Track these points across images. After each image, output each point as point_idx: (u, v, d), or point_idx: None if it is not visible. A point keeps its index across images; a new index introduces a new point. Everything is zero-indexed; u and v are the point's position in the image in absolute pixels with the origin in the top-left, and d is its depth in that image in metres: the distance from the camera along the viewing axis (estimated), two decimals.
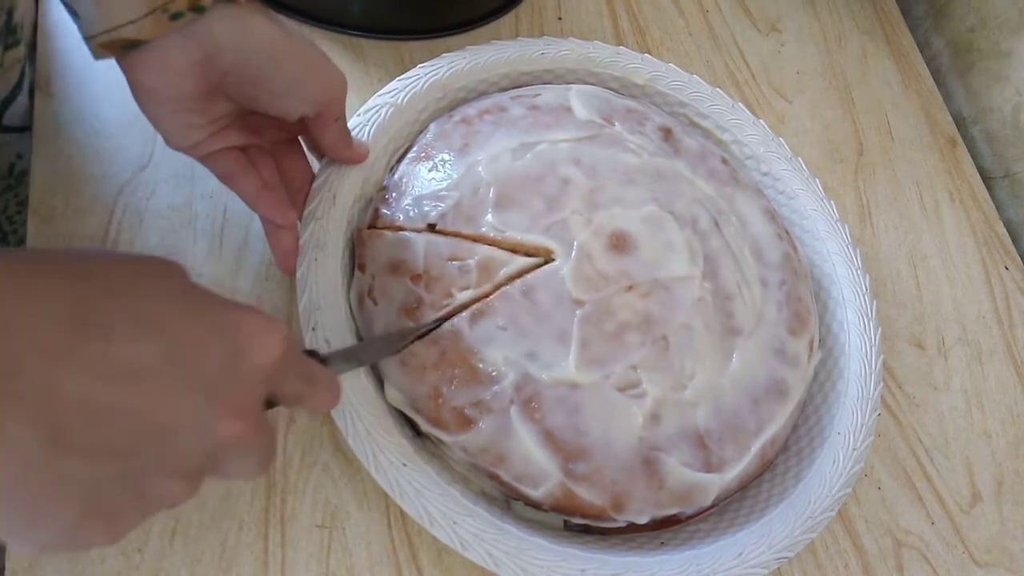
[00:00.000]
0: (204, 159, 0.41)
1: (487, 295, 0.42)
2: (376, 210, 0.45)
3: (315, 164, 0.46)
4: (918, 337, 0.56)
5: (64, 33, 0.51)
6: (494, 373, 0.40)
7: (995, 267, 0.61)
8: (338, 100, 0.40)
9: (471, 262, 0.42)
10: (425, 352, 0.40)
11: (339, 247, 0.43)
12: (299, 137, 0.44)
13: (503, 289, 0.41)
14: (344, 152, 0.44)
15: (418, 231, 0.43)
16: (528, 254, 0.43)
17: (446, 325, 0.41)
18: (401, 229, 0.44)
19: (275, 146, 0.43)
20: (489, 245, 0.43)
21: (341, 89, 0.40)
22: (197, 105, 0.37)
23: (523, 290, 0.42)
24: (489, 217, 0.43)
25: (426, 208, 0.44)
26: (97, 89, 0.50)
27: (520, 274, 0.42)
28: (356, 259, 0.44)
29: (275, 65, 0.37)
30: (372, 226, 0.45)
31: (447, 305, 0.41)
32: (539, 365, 0.40)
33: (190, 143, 0.39)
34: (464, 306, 0.41)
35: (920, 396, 0.54)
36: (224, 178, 0.42)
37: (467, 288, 0.42)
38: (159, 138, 0.48)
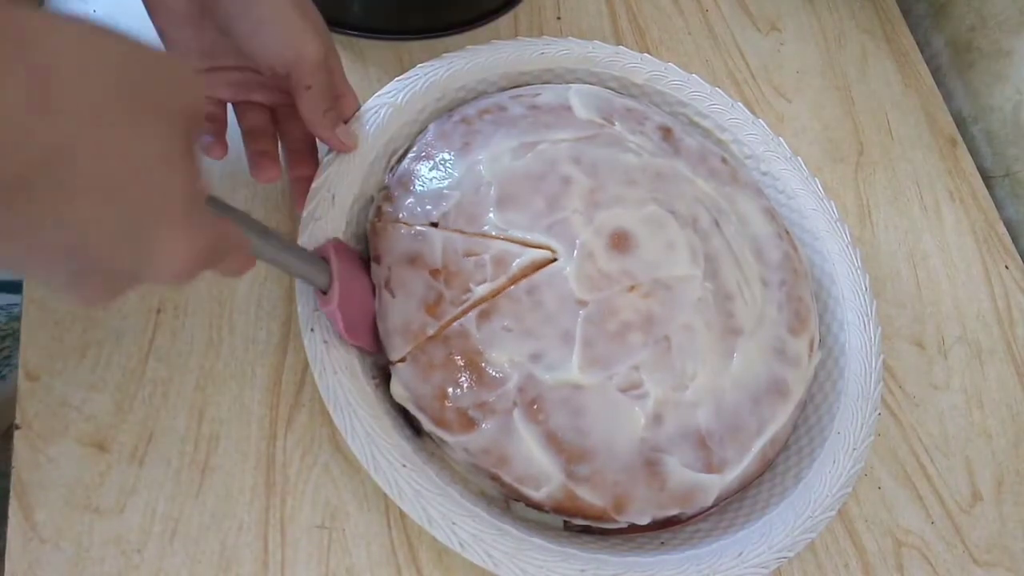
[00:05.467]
0: None
1: (503, 288, 0.42)
2: (379, 208, 0.45)
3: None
4: (918, 336, 0.56)
5: None
6: (499, 375, 0.40)
7: (995, 266, 0.61)
8: (308, 64, 0.40)
9: (486, 257, 0.42)
10: (433, 351, 0.40)
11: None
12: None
13: (509, 289, 0.41)
14: (322, 131, 0.43)
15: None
16: None
17: (455, 325, 0.41)
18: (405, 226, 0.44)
19: (278, 109, 0.46)
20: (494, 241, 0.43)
21: (311, 53, 0.39)
22: (190, 23, 0.40)
23: (528, 290, 0.42)
24: (491, 216, 0.43)
25: (428, 207, 0.44)
26: None
27: (533, 267, 0.42)
28: (371, 251, 0.44)
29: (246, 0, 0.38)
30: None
31: (466, 300, 0.41)
32: (543, 366, 0.40)
33: None
34: (483, 299, 0.41)
35: (920, 395, 0.54)
36: (205, 118, 0.44)
37: (484, 282, 0.42)
38: None
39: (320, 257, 0.41)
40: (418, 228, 0.43)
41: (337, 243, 0.42)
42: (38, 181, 0.21)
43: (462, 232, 0.43)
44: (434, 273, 0.42)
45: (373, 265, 0.43)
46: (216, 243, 0.27)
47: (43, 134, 0.20)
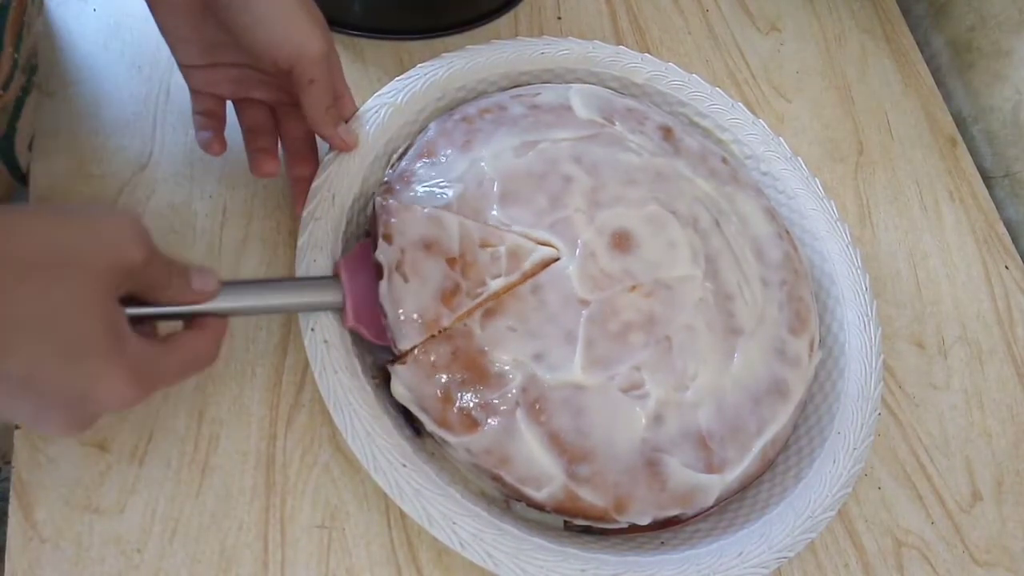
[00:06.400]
0: (194, 94, 0.44)
1: (516, 284, 0.41)
2: (377, 203, 0.45)
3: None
4: (918, 336, 0.56)
5: (64, 33, 0.51)
6: (502, 375, 0.40)
7: (995, 266, 0.61)
8: (311, 58, 0.40)
9: (501, 249, 0.42)
10: (436, 351, 0.40)
11: (338, 248, 0.43)
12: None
13: (514, 288, 0.41)
14: (324, 127, 0.43)
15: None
16: None
17: (459, 324, 0.41)
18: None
19: (278, 108, 0.46)
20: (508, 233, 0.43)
21: (314, 47, 0.40)
22: (191, 19, 0.40)
23: (532, 289, 0.42)
24: (494, 211, 0.43)
25: (433, 195, 0.44)
26: (97, 89, 0.50)
27: (544, 263, 0.42)
28: (381, 229, 0.42)
29: None
30: (374, 220, 0.44)
31: (481, 293, 0.41)
32: (545, 367, 0.40)
33: (187, 60, 0.43)
34: (496, 294, 0.41)
35: (920, 396, 0.54)
36: (204, 113, 0.45)
37: (499, 276, 0.41)
38: (159, 138, 0.49)
39: (334, 276, 0.41)
40: (434, 209, 0.43)
41: (347, 258, 0.42)
42: None
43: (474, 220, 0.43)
44: (451, 262, 0.41)
45: (382, 244, 0.42)
46: (151, 367, 0.32)
47: None
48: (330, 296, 0.40)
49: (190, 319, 0.36)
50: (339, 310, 0.41)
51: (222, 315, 0.37)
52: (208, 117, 0.45)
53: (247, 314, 0.39)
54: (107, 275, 0.30)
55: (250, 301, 0.38)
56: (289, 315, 0.46)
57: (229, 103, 0.46)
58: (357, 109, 0.46)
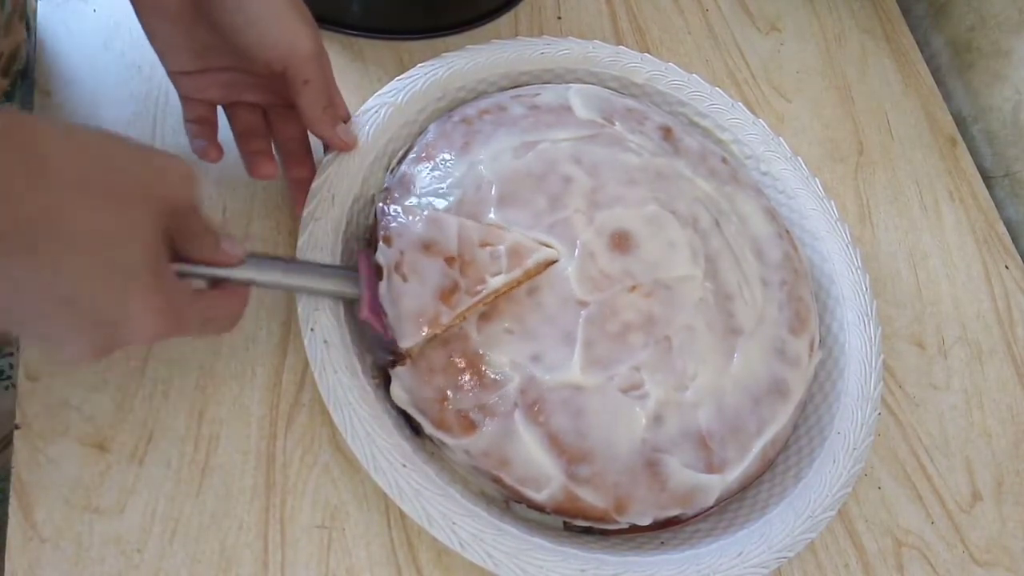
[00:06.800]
0: (185, 101, 0.44)
1: (518, 282, 0.41)
2: (378, 208, 0.45)
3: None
4: (918, 336, 0.56)
5: (63, 33, 0.51)
6: (499, 377, 0.40)
7: (995, 266, 0.61)
8: (304, 57, 0.40)
9: (501, 248, 0.42)
10: (433, 354, 0.40)
11: (338, 248, 0.43)
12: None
13: (509, 290, 0.41)
14: (323, 128, 0.43)
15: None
16: None
17: (455, 328, 0.41)
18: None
19: (270, 110, 0.46)
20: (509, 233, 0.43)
21: (307, 45, 0.40)
22: (182, 22, 0.40)
23: (528, 291, 0.41)
24: (492, 215, 0.43)
25: (431, 201, 0.44)
26: (97, 89, 0.50)
27: (546, 263, 0.42)
28: (381, 233, 0.43)
29: None
30: (375, 225, 0.45)
31: (480, 290, 0.41)
32: (543, 367, 0.40)
33: (177, 67, 0.42)
34: (497, 292, 0.41)
35: (920, 396, 0.54)
36: (196, 121, 0.44)
37: (498, 274, 0.41)
38: (159, 138, 0.49)
39: (352, 268, 0.42)
40: (433, 211, 0.43)
41: (365, 252, 0.43)
42: (38, 235, 0.27)
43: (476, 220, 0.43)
44: (449, 261, 0.41)
45: (382, 246, 0.42)
46: (180, 307, 0.33)
47: (35, 197, 0.26)
48: (348, 287, 0.41)
49: (214, 284, 0.37)
50: (354, 301, 0.42)
51: (245, 284, 0.38)
52: (201, 124, 0.44)
53: (267, 287, 0.39)
54: (158, 207, 0.30)
55: (273, 276, 0.39)
56: (289, 315, 0.46)
57: (220, 109, 0.45)
58: (350, 116, 0.46)
